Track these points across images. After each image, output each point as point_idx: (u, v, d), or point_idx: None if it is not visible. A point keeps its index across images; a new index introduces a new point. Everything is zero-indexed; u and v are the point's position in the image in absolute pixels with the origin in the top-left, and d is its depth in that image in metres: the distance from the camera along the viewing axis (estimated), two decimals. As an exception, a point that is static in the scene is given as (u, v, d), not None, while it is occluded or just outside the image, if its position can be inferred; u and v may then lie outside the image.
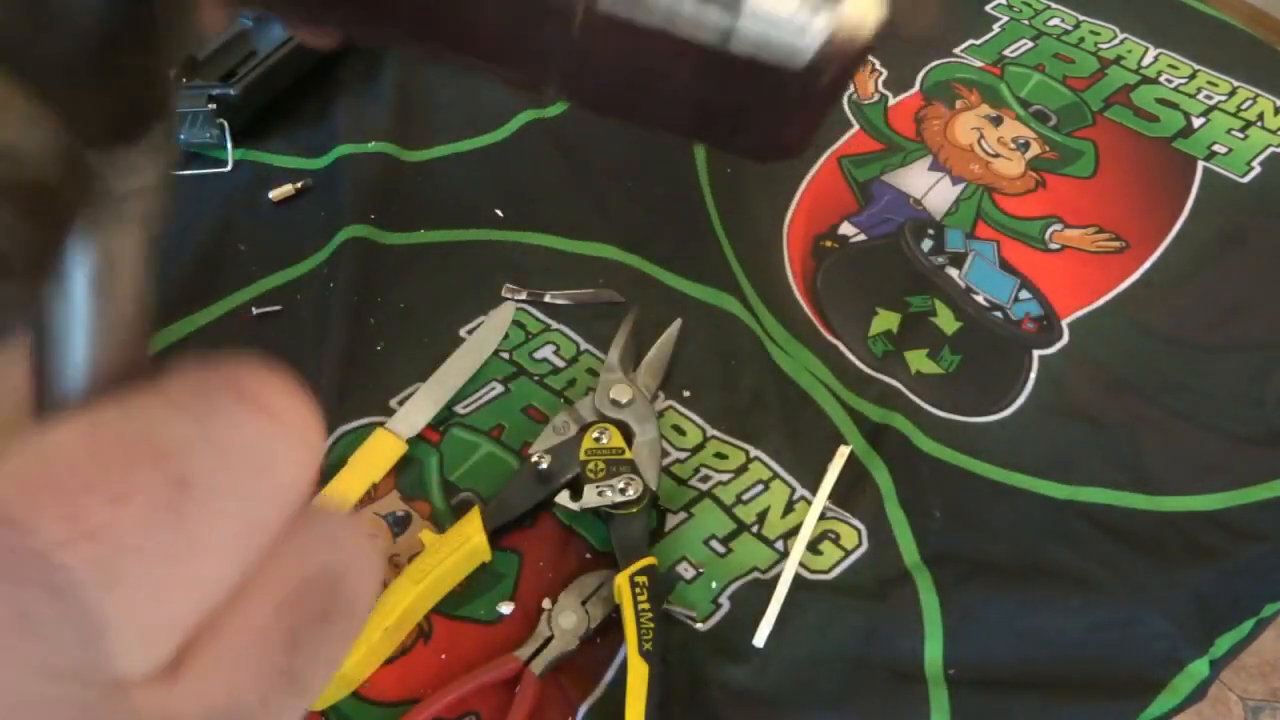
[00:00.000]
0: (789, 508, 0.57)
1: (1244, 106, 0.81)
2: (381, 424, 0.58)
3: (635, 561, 0.51)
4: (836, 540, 0.56)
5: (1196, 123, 0.80)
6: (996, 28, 0.87)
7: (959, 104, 0.81)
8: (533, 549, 0.54)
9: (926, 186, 0.75)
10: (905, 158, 0.77)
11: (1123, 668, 0.52)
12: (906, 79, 0.82)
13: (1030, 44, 0.86)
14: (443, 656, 0.51)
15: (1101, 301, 0.68)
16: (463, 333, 0.63)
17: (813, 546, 0.55)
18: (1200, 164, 0.77)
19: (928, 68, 0.83)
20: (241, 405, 0.14)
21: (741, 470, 0.58)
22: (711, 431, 0.60)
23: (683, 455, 0.59)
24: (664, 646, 0.49)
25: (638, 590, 0.50)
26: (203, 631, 0.14)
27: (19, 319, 0.14)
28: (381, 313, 0.64)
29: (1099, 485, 0.59)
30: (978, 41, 0.86)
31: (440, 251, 0.68)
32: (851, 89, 0.81)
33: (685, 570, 0.54)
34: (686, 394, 0.61)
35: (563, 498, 0.54)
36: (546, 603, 0.52)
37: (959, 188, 0.75)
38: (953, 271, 0.69)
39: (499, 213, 0.70)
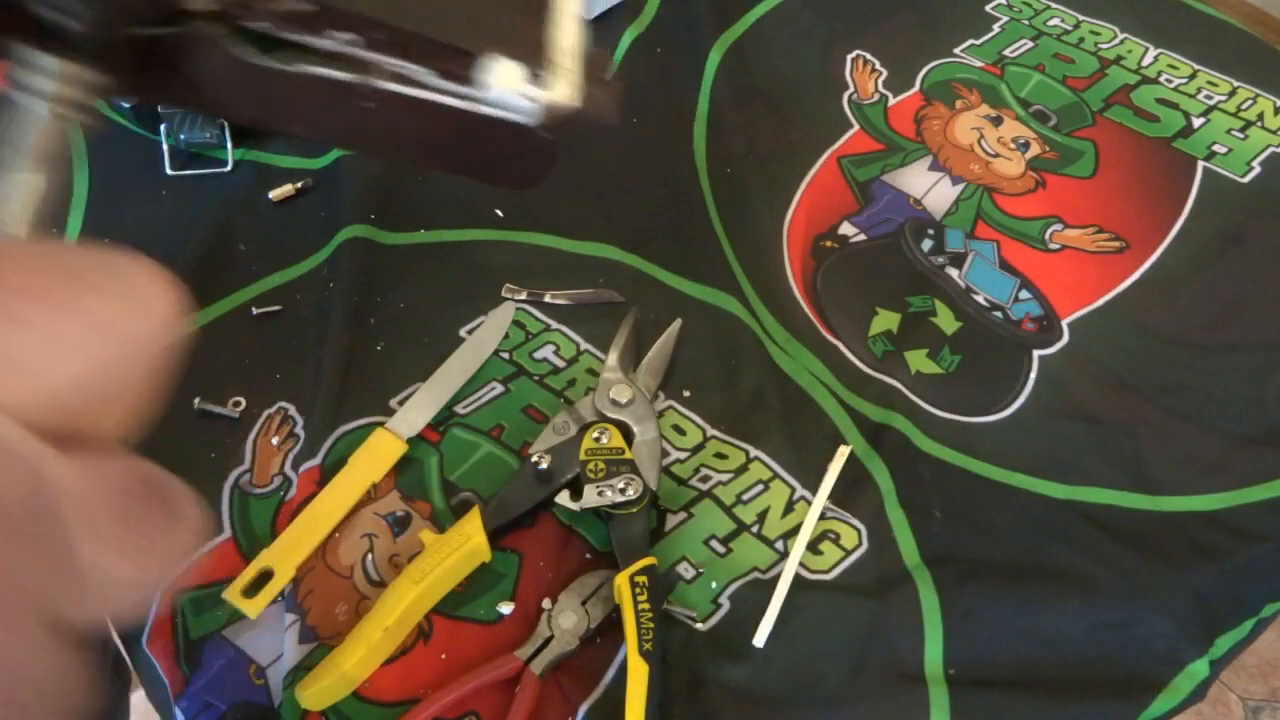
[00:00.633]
0: (789, 508, 0.57)
1: (1244, 106, 0.81)
2: (381, 424, 0.58)
3: (635, 561, 0.51)
4: (836, 540, 0.56)
5: (1196, 123, 0.80)
6: (996, 28, 0.87)
7: (959, 104, 0.81)
8: (533, 549, 0.54)
9: (926, 186, 0.75)
10: (905, 158, 0.76)
11: (1123, 668, 0.52)
12: (906, 79, 0.82)
13: (1030, 44, 0.86)
14: (443, 656, 0.51)
15: (1101, 301, 0.68)
16: (463, 333, 0.63)
17: (813, 546, 0.55)
18: (1200, 164, 0.77)
19: (928, 68, 0.83)
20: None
21: (741, 470, 0.58)
22: (711, 431, 0.60)
23: (683, 455, 0.59)
24: (664, 646, 0.50)
25: (638, 590, 0.50)
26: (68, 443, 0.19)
27: None
28: (381, 313, 0.64)
29: (1099, 485, 0.59)
30: (978, 41, 0.86)
31: (440, 251, 0.68)
32: (853, 89, 0.81)
33: (685, 570, 0.54)
34: (686, 394, 0.61)
35: (563, 498, 0.54)
36: (546, 603, 0.52)
37: (959, 188, 0.75)
38: (953, 271, 0.69)
39: (499, 213, 0.70)
